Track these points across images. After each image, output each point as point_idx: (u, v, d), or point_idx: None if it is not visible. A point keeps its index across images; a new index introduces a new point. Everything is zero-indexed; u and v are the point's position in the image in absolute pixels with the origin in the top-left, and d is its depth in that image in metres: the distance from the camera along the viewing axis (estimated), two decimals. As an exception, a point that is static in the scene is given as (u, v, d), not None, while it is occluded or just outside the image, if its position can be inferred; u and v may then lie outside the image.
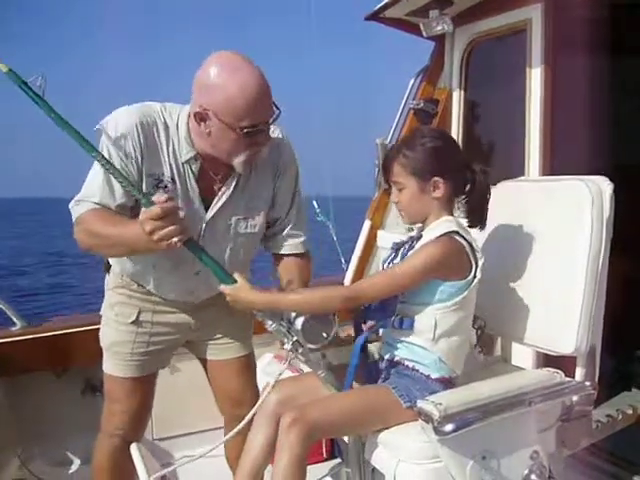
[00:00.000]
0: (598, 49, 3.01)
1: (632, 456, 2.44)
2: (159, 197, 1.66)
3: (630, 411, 2.47)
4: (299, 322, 1.70)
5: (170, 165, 1.89)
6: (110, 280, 2.13)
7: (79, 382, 2.88)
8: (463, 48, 3.31)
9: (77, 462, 2.86)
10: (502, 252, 2.00)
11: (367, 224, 3.61)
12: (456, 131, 3.37)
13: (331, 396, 1.67)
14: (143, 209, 1.66)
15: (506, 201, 2.10)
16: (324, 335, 1.72)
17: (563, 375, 1.75)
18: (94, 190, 1.83)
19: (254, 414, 1.73)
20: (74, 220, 1.86)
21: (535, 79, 2.85)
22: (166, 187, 1.88)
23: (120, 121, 1.84)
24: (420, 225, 1.81)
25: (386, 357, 1.78)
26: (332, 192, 3.97)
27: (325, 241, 3.90)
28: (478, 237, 2.12)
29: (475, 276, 1.69)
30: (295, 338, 1.71)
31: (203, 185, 1.94)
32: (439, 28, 3.19)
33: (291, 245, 2.08)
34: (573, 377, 1.78)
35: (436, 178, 1.71)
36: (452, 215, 1.77)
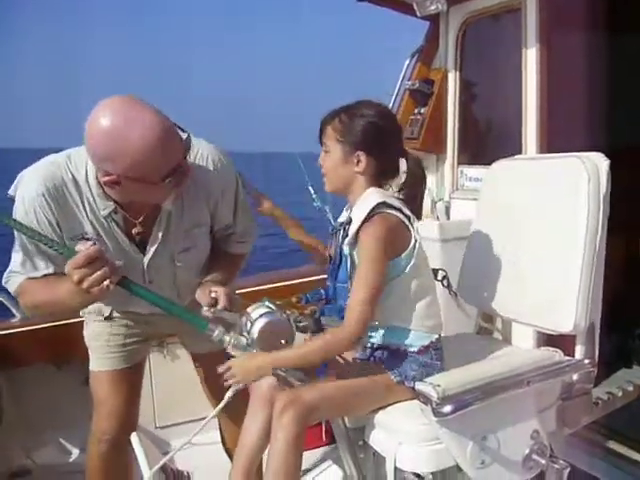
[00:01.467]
0: (594, 27, 2.99)
1: (633, 433, 2.44)
2: (81, 246, 1.61)
3: (630, 388, 2.48)
4: (255, 334, 1.68)
5: (91, 221, 1.79)
6: None
7: (80, 373, 2.87)
8: (457, 27, 3.28)
9: (76, 451, 2.88)
10: (499, 231, 1.99)
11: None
12: (452, 111, 3.35)
13: (323, 378, 1.67)
14: (68, 261, 1.59)
15: (502, 180, 2.09)
16: (282, 342, 1.69)
17: (562, 354, 1.74)
18: (17, 266, 1.78)
19: (229, 398, 1.71)
20: (14, 293, 1.82)
21: (531, 58, 2.83)
22: (94, 244, 1.74)
23: (26, 195, 1.73)
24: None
25: (365, 343, 1.75)
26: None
27: (324, 226, 3.84)
28: (474, 217, 2.13)
29: (416, 239, 1.66)
30: (254, 350, 1.68)
31: (131, 231, 1.86)
32: (433, 7, 3.17)
33: (242, 246, 2.09)
34: (573, 356, 1.77)
35: (360, 152, 1.67)
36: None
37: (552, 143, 2.82)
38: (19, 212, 1.73)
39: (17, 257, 1.80)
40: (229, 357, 1.73)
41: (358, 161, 1.68)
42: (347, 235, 1.68)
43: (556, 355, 1.73)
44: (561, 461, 1.60)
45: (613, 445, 2.37)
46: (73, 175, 1.76)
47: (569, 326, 1.71)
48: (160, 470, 1.66)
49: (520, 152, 2.83)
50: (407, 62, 3.54)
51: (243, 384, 1.69)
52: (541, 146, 2.82)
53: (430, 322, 1.70)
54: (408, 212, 1.67)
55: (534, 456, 1.62)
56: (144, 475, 1.61)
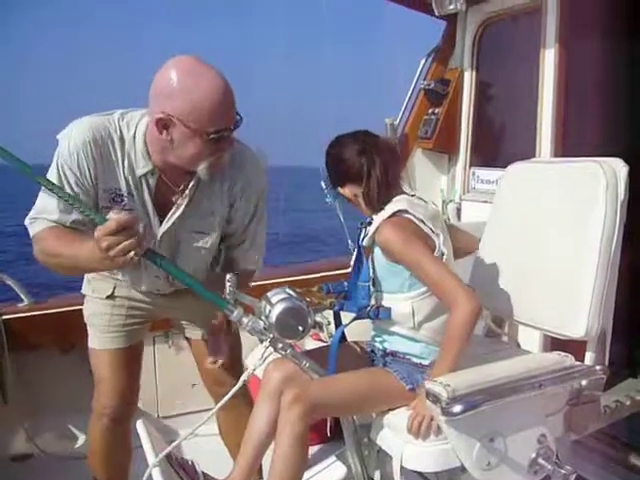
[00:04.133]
0: (613, 29, 2.96)
1: (639, 442, 2.42)
2: (114, 213, 1.62)
3: (639, 397, 2.45)
4: (274, 318, 1.67)
5: (127, 179, 1.85)
6: None
7: (86, 359, 2.89)
8: (475, 28, 3.28)
9: (82, 437, 2.88)
10: (513, 235, 1.98)
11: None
12: (467, 112, 3.35)
13: (334, 376, 1.66)
14: (99, 226, 1.60)
15: (518, 182, 2.08)
16: (300, 329, 1.69)
17: (573, 359, 1.73)
18: (48, 206, 1.78)
19: (236, 393, 1.70)
20: (31, 237, 1.83)
21: (549, 59, 2.81)
22: (122, 201, 1.85)
23: (73, 138, 1.79)
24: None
25: (379, 347, 1.77)
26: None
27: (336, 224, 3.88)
28: (487, 218, 2.12)
29: (443, 252, 1.67)
30: (272, 335, 1.67)
31: (159, 199, 1.90)
32: (452, 7, 3.16)
33: (249, 259, 2.08)
34: (581, 361, 1.76)
35: (339, 189, 1.79)
36: (401, 194, 1.75)
37: (567, 147, 2.80)
38: (63, 152, 1.79)
39: (46, 201, 1.80)
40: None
41: (345, 195, 1.78)
42: (367, 235, 1.71)
43: (567, 360, 1.72)
44: (567, 467, 1.59)
45: (619, 454, 2.36)
46: (122, 132, 1.84)
47: (581, 332, 1.70)
48: (165, 458, 1.66)
49: (534, 155, 2.81)
50: (423, 62, 3.53)
51: (250, 374, 1.71)
52: (556, 150, 2.80)
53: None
54: (431, 225, 1.68)
55: (540, 460, 1.61)
56: (149, 462, 1.60)
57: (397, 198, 1.70)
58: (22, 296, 2.92)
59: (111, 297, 2.09)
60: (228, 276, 1.73)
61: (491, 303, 2.00)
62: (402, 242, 1.61)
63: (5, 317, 2.75)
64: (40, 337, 2.82)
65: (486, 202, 2.97)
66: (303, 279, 2.99)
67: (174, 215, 1.91)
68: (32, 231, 1.82)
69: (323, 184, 2.20)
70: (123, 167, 1.84)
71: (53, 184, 1.70)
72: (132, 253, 1.59)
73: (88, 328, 2.14)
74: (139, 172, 1.85)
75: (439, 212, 1.76)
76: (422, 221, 1.65)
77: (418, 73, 3.51)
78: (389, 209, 1.66)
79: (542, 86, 2.85)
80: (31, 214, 1.82)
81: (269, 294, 1.71)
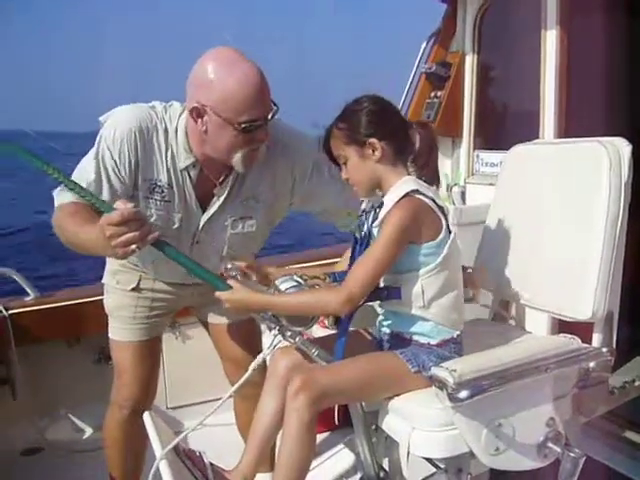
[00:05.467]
0: (616, 9, 2.93)
1: (649, 423, 2.41)
2: (121, 204, 1.61)
3: (647, 377, 2.44)
4: None
5: (168, 171, 1.88)
6: None
7: (92, 351, 2.90)
8: (476, 10, 3.24)
9: (91, 429, 2.89)
10: (517, 217, 1.96)
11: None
12: (469, 94, 3.32)
13: (340, 362, 1.65)
14: (104, 214, 1.61)
15: (521, 164, 2.06)
16: (309, 317, 1.69)
17: (580, 341, 1.72)
18: (81, 181, 1.79)
19: (247, 377, 1.72)
20: (55, 206, 1.84)
21: (550, 40, 2.78)
22: (162, 192, 1.88)
23: (119, 124, 1.82)
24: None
25: (385, 330, 1.75)
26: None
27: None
28: (491, 201, 2.10)
29: (450, 231, 1.65)
30: (282, 322, 1.68)
31: (201, 190, 1.93)
32: (452, -12, 3.13)
33: (343, 214, 2.07)
34: (589, 343, 1.75)
35: (371, 140, 1.66)
36: (408, 174, 1.71)
37: (570, 128, 2.78)
38: (107, 138, 1.82)
39: (83, 175, 1.82)
40: None
41: (374, 150, 1.66)
42: (377, 218, 1.67)
43: (574, 342, 1.70)
44: (576, 449, 1.58)
45: (628, 435, 2.35)
46: (166, 124, 1.88)
47: (587, 313, 1.69)
48: (172, 450, 1.66)
49: (537, 137, 2.79)
50: (424, 45, 3.50)
51: (260, 362, 1.72)
52: (559, 131, 2.78)
53: (454, 316, 1.68)
54: (441, 203, 1.66)
55: (549, 444, 1.59)
56: (156, 454, 1.60)
57: (405, 179, 1.67)
58: (28, 290, 2.93)
59: (136, 289, 2.11)
60: (229, 265, 1.73)
61: (497, 286, 1.99)
62: (399, 219, 1.59)
63: (11, 312, 2.76)
64: (46, 331, 2.83)
65: (491, 185, 2.95)
66: (309, 266, 2.99)
67: (214, 205, 1.95)
68: (56, 201, 1.84)
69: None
70: (165, 159, 1.87)
71: (63, 175, 1.71)
72: (134, 246, 1.59)
73: (110, 319, 2.15)
74: (181, 165, 1.88)
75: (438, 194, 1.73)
76: (433, 199, 1.63)
77: (419, 56, 3.48)
78: (400, 190, 1.63)
79: (544, 67, 2.82)
80: (60, 186, 1.83)
81: (277, 282, 1.71)
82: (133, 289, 2.11)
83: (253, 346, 2.24)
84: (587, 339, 1.75)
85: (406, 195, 1.61)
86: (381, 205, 1.67)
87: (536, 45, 2.85)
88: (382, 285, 1.66)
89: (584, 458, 1.58)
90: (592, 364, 1.72)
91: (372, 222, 1.69)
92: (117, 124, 1.83)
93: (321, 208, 2.13)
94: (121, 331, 2.13)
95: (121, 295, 2.13)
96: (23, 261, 9.38)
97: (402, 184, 1.66)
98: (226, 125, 1.75)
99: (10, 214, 16.56)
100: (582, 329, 1.77)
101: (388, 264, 1.60)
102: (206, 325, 2.33)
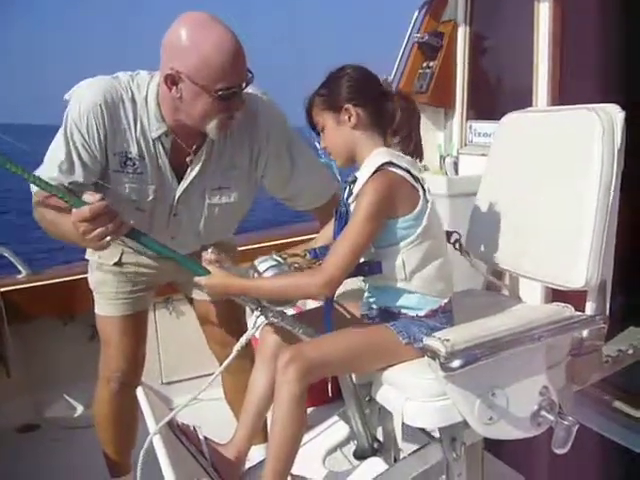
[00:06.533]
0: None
1: (642, 391, 2.42)
2: (89, 197, 1.60)
3: (641, 345, 2.45)
4: None
5: (138, 142, 1.84)
6: None
7: (86, 328, 2.90)
8: (469, -23, 3.20)
9: (86, 406, 2.90)
10: (509, 186, 1.95)
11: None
12: (462, 65, 3.31)
13: (328, 335, 1.65)
14: (74, 210, 1.60)
15: (513, 133, 2.04)
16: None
17: (573, 309, 1.71)
18: (51, 166, 1.78)
19: (233, 357, 1.70)
20: (32, 193, 1.83)
21: (543, 8, 2.78)
22: (134, 164, 1.84)
23: (84, 99, 1.78)
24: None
25: (372, 306, 1.74)
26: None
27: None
28: (483, 171, 2.09)
29: (427, 200, 1.62)
30: (262, 303, 1.66)
31: (175, 160, 1.90)
32: (444, -44, 3.09)
33: (322, 197, 2.07)
34: (582, 312, 1.74)
35: (347, 105, 1.63)
36: (386, 146, 1.68)
37: (563, 97, 2.77)
38: (73, 115, 1.78)
39: (52, 159, 1.81)
40: None
41: (349, 116, 1.64)
42: (352, 194, 1.64)
43: (567, 310, 1.69)
44: (570, 417, 1.58)
45: (621, 404, 2.36)
46: (133, 94, 1.83)
47: (580, 282, 1.67)
48: (167, 425, 1.66)
49: (530, 107, 2.77)
50: (415, 14, 3.46)
51: (245, 341, 1.71)
52: (552, 100, 2.77)
53: (440, 285, 1.66)
54: (417, 173, 1.63)
55: (543, 412, 1.59)
56: (150, 429, 1.60)
57: (378, 150, 1.65)
58: (20, 267, 2.92)
59: (118, 264, 2.10)
60: (210, 249, 1.71)
61: (490, 256, 1.98)
62: (372, 196, 1.56)
63: (3, 289, 2.76)
64: (39, 308, 2.83)
65: (483, 155, 2.92)
66: (286, 242, 2.96)
67: (190, 175, 1.91)
68: (33, 189, 1.82)
69: (317, 145, 2.16)
70: (135, 130, 1.83)
71: (30, 174, 1.69)
72: (108, 238, 1.60)
73: (94, 295, 2.16)
74: (153, 135, 1.84)
75: (416, 162, 1.71)
76: (407, 170, 1.61)
77: (411, 26, 3.45)
78: (372, 164, 1.60)
79: (537, 35, 2.80)
80: (36, 171, 1.80)
81: (256, 262, 1.68)
82: (115, 264, 2.10)
83: (237, 322, 2.24)
84: (580, 308, 1.74)
85: (379, 169, 1.59)
86: (354, 180, 1.65)
87: (529, 14, 2.83)
88: (362, 260, 1.65)
89: (577, 426, 1.58)
90: (585, 332, 1.72)
91: (347, 198, 1.67)
92: (81, 99, 1.79)
93: (294, 188, 2.10)
94: (105, 306, 2.13)
95: (104, 270, 2.12)
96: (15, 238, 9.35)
97: (375, 156, 1.63)
98: (202, 92, 1.71)
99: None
100: (575, 298, 1.76)
101: (366, 243, 1.58)
102: (191, 300, 2.33)
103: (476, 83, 3.30)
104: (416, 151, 1.69)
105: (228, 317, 2.24)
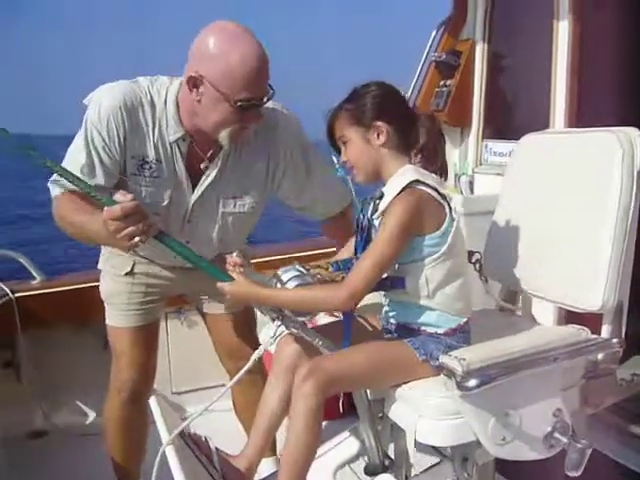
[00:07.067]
0: (630, -2, 2.90)
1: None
2: (121, 196, 1.61)
3: (656, 370, 2.42)
4: None
5: (156, 146, 1.85)
6: None
7: (100, 337, 2.90)
8: (488, -3, 3.21)
9: (97, 414, 2.90)
10: (527, 206, 1.95)
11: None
12: (479, 84, 3.31)
13: (347, 349, 1.65)
14: (106, 208, 1.61)
15: (531, 153, 2.05)
16: None
17: (589, 332, 1.71)
18: (72, 170, 1.77)
19: (250, 370, 1.71)
20: (52, 197, 1.84)
21: (563, 29, 2.77)
22: (150, 168, 1.85)
23: (104, 102, 1.80)
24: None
25: (391, 321, 1.74)
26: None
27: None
28: (500, 190, 2.09)
29: (453, 219, 1.63)
30: (284, 313, 1.66)
31: (191, 165, 1.91)
32: (464, -24, 3.10)
33: (323, 209, 2.09)
34: (597, 334, 1.73)
35: (377, 123, 1.64)
36: (409, 164, 1.69)
37: (580, 119, 2.76)
38: (93, 117, 1.80)
39: (73, 162, 1.81)
40: None
41: (379, 133, 1.64)
42: (377, 210, 1.65)
43: (583, 333, 1.69)
44: (583, 440, 1.57)
45: (635, 428, 2.33)
46: (152, 97, 1.85)
47: (597, 304, 1.67)
48: (178, 434, 1.66)
49: (547, 127, 2.77)
50: (433, 33, 3.48)
51: (262, 352, 1.71)
52: (569, 121, 2.76)
53: (460, 304, 1.67)
54: (444, 191, 1.64)
55: (556, 434, 1.59)
56: (162, 439, 1.60)
57: (405, 167, 1.65)
58: (34, 273, 2.93)
59: (130, 274, 2.10)
60: (235, 252, 1.72)
61: (505, 276, 1.98)
62: (400, 213, 1.57)
63: (17, 295, 2.77)
64: (53, 314, 2.83)
65: (499, 175, 2.94)
66: (309, 255, 2.98)
67: (205, 182, 1.92)
68: (52, 192, 1.84)
69: (334, 159, 2.17)
70: (153, 134, 1.85)
71: (61, 167, 1.71)
72: (137, 239, 1.61)
73: (106, 305, 2.16)
74: (171, 138, 1.85)
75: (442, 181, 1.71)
76: (435, 189, 1.61)
77: (429, 45, 3.47)
78: (400, 181, 1.61)
79: (556, 56, 2.80)
80: (54, 176, 1.82)
81: (279, 272, 1.69)
82: (127, 274, 2.10)
83: (248, 337, 2.25)
84: (594, 330, 1.74)
85: (407, 186, 1.59)
86: (381, 196, 1.65)
87: (548, 34, 2.83)
88: (385, 275, 1.65)
89: (590, 450, 1.57)
90: (600, 355, 1.71)
91: (372, 214, 1.67)
92: (101, 102, 1.80)
93: (308, 199, 2.11)
94: (117, 317, 2.13)
95: (115, 280, 2.12)
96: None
97: (403, 173, 1.64)
98: (222, 100, 1.73)
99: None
100: (589, 319, 1.76)
101: (392, 259, 1.59)
102: (203, 315, 2.33)
103: (493, 102, 3.31)
104: (441, 170, 1.70)
105: (240, 331, 2.24)
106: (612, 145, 1.69)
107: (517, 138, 2.13)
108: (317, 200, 2.11)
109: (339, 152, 1.75)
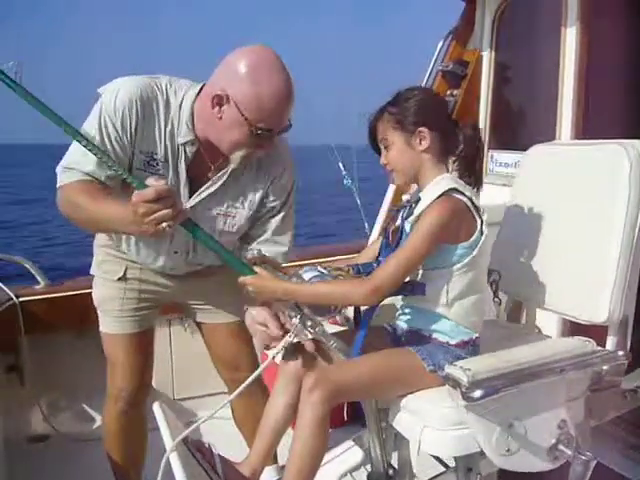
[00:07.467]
0: (636, 8, 2.91)
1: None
2: (153, 180, 1.59)
3: (660, 383, 2.42)
4: None
5: (165, 145, 1.85)
6: (99, 237, 2.12)
7: (101, 342, 2.90)
8: (495, 7, 3.23)
9: (99, 419, 2.90)
10: (533, 218, 1.95)
11: (391, 188, 3.56)
12: (485, 94, 3.31)
13: (354, 359, 1.65)
14: (136, 191, 1.59)
15: (538, 164, 2.05)
16: (332, 307, 1.68)
17: (595, 344, 1.70)
18: (85, 158, 1.75)
19: (254, 379, 1.69)
20: (58, 185, 1.81)
21: (570, 40, 2.77)
22: (157, 165, 1.85)
23: (120, 92, 1.79)
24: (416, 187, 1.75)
25: (403, 326, 1.75)
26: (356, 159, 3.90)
27: (351, 207, 3.91)
28: (508, 202, 2.09)
29: (482, 232, 1.64)
30: (304, 311, 1.66)
31: (193, 171, 1.90)
32: (472, -14, 3.11)
33: (273, 252, 1.98)
34: (602, 346, 1.73)
35: (421, 128, 1.65)
36: (447, 172, 1.70)
37: (588, 129, 2.76)
38: (108, 107, 1.78)
39: (82, 153, 1.75)
40: None
41: (421, 139, 1.66)
42: (412, 214, 1.66)
43: (588, 345, 1.69)
44: (587, 452, 1.57)
45: (638, 441, 2.33)
46: (168, 97, 1.85)
47: (603, 317, 1.67)
48: (181, 441, 1.65)
49: (553, 138, 2.77)
50: (440, 43, 3.50)
51: (279, 351, 1.69)
52: (576, 132, 2.76)
53: (474, 318, 1.68)
54: (478, 203, 1.65)
55: (560, 446, 1.58)
56: (166, 444, 1.60)
57: (443, 175, 1.67)
58: (38, 278, 2.94)
59: (122, 279, 2.08)
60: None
61: (511, 288, 1.98)
62: (435, 218, 1.57)
63: (21, 299, 2.77)
64: (56, 319, 2.83)
65: (504, 185, 2.94)
66: (329, 260, 2.98)
67: (206, 191, 1.91)
68: (61, 180, 1.80)
69: (342, 166, 2.16)
70: (164, 132, 1.84)
71: (94, 145, 1.69)
72: (165, 224, 1.58)
73: (99, 312, 2.14)
74: (180, 140, 1.85)
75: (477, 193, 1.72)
76: (471, 199, 1.62)
77: (436, 55, 3.48)
78: (438, 187, 1.62)
79: (563, 67, 2.81)
80: (64, 163, 1.80)
81: (301, 271, 1.69)
82: (119, 279, 2.08)
83: (244, 346, 2.23)
84: (599, 342, 1.74)
85: (445, 193, 1.61)
86: (417, 200, 1.66)
87: (555, 44, 2.84)
88: (407, 279, 1.65)
89: (595, 462, 1.56)
90: (606, 367, 1.71)
91: (406, 217, 1.69)
92: (117, 92, 1.79)
93: (259, 230, 2.05)
94: (110, 324, 2.11)
95: (108, 286, 2.10)
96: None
97: (440, 181, 1.65)
98: (244, 123, 1.74)
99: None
100: (594, 331, 1.75)
101: (419, 261, 1.60)
102: (198, 324, 2.30)
103: (499, 113, 3.31)
104: (477, 181, 1.71)
105: (235, 341, 2.22)
106: (620, 157, 1.70)
107: (523, 149, 2.13)
108: (265, 235, 2.05)
109: (379, 153, 1.76)
